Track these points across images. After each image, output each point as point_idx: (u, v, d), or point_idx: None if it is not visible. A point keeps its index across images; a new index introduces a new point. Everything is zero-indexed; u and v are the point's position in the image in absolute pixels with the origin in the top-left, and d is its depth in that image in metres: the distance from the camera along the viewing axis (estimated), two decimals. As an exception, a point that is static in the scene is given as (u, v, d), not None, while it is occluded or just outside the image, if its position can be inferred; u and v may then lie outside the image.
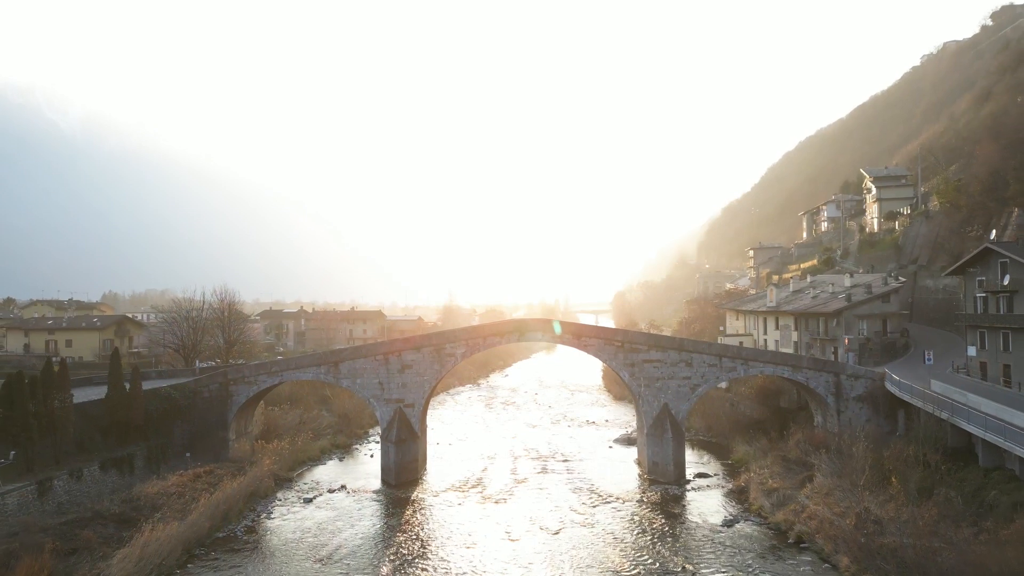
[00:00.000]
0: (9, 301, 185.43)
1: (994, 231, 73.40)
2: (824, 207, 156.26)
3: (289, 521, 54.68)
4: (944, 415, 50.96)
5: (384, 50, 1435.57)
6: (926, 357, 66.30)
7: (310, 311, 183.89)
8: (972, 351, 64.28)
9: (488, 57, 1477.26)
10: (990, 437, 44.64)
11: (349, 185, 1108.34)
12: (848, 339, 73.96)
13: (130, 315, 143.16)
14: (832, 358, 74.72)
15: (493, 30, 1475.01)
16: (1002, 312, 59.82)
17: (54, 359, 55.68)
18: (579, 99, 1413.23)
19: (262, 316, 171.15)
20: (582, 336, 71.76)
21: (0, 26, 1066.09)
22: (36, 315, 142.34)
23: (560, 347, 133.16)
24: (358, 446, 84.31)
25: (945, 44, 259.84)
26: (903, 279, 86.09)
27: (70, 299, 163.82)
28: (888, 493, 46.48)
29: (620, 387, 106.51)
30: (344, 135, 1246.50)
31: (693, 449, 77.22)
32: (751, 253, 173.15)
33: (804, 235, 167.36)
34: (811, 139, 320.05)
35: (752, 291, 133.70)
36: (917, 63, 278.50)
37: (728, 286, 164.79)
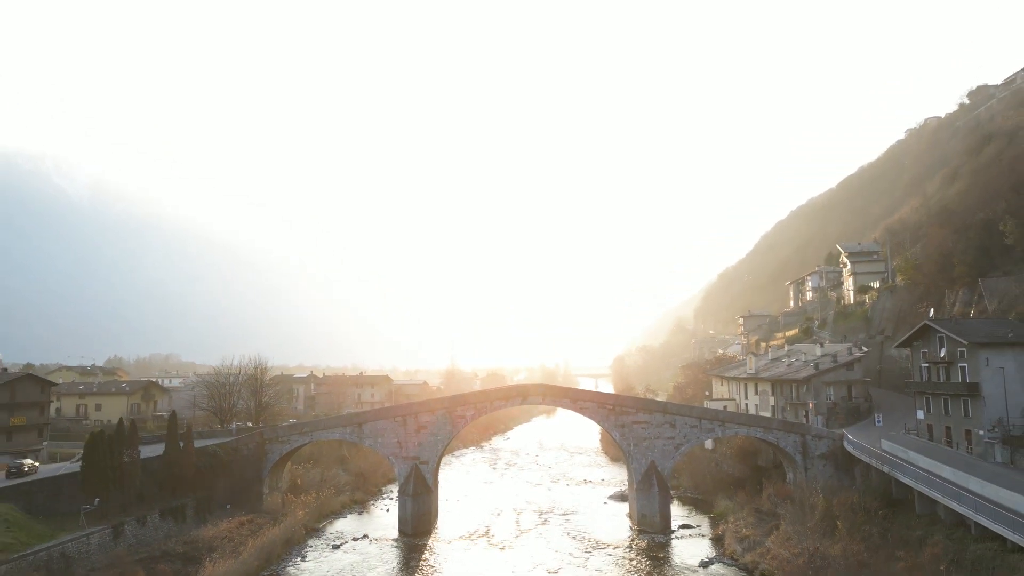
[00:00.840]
0: (29, 367, 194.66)
1: (932, 310, 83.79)
2: (809, 278, 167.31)
3: (322, 564, 63.38)
4: (886, 469, 60.39)
5: (379, 114, 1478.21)
6: (876, 420, 75.94)
7: (320, 376, 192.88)
8: (920, 414, 73.92)
9: (486, 119, 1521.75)
10: (919, 487, 54.10)
11: (350, 249, 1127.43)
12: (812, 403, 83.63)
13: (155, 380, 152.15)
14: (804, 421, 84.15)
15: (496, 95, 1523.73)
16: (941, 380, 69.76)
17: (126, 420, 65.16)
18: (583, 166, 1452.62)
19: (271, 381, 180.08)
20: (578, 400, 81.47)
21: (12, 94, 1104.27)
22: (62, 380, 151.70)
23: (559, 411, 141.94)
24: (374, 502, 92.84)
25: (927, 120, 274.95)
26: (866, 349, 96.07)
27: (93, 364, 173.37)
28: (836, 536, 55.66)
29: (616, 449, 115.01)
30: (345, 200, 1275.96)
31: (681, 504, 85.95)
32: (741, 321, 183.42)
33: (791, 303, 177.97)
34: (803, 208, 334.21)
35: (741, 358, 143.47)
36: (902, 136, 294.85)
37: (720, 352, 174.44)
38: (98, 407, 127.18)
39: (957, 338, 66.43)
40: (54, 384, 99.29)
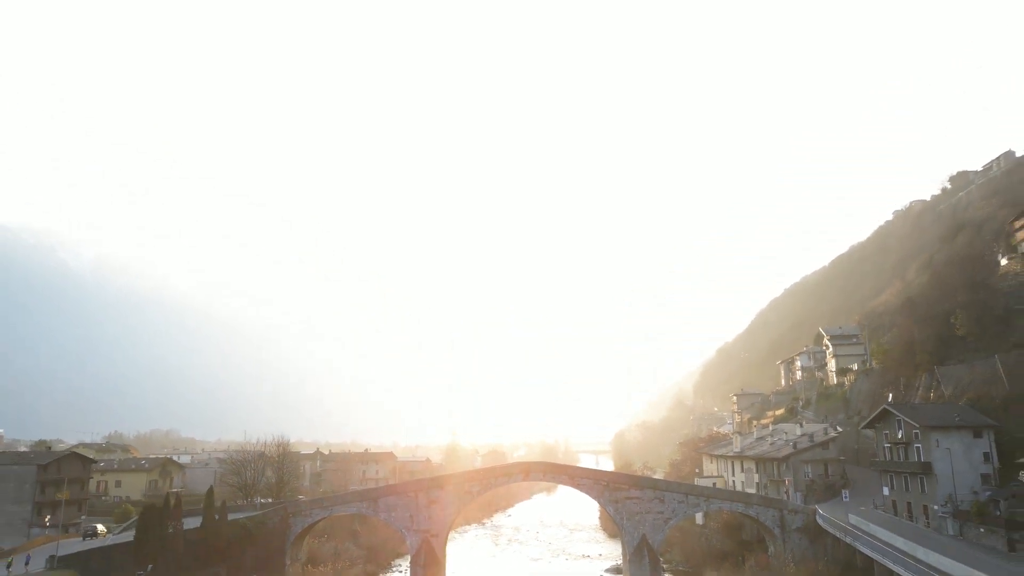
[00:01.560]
0: (41, 443, 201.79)
1: (891, 395, 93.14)
2: (798, 357, 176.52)
3: (343, 628, 70.75)
4: (849, 540, 68.65)
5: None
6: (844, 496, 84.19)
7: (325, 452, 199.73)
8: (886, 491, 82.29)
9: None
10: (876, 556, 62.39)
11: (351, 323, 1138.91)
12: (788, 480, 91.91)
13: (171, 457, 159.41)
14: (784, 497, 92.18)
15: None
16: (901, 459, 78.52)
17: (171, 493, 73.72)
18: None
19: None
20: (576, 477, 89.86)
21: (20, 171, 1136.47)
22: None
23: (560, 488, 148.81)
24: (385, 574, 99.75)
25: (912, 203, 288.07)
26: (840, 429, 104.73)
27: (108, 442, 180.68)
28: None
29: (613, 525, 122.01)
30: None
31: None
32: (735, 399, 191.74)
33: (782, 382, 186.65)
34: (797, 286, 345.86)
35: (734, 435, 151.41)
36: (890, 217, 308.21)
37: (715, 429, 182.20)
38: (118, 483, 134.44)
39: (911, 421, 75.62)
40: (95, 462, 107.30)
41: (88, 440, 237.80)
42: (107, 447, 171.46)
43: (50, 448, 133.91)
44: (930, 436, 73.57)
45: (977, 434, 73.57)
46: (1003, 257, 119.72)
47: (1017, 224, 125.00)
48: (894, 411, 78.94)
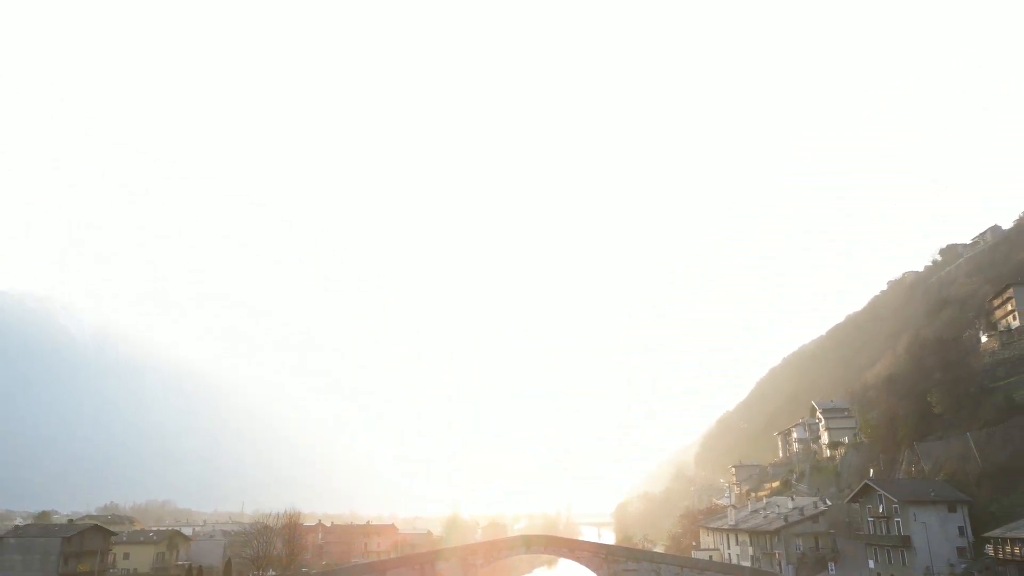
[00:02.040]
0: (45, 515, 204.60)
1: (872, 470, 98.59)
2: (794, 429, 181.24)
3: None
4: (833, 611, 73.35)
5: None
6: (830, 568, 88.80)
7: (328, 525, 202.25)
8: (871, 564, 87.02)
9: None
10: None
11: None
12: (780, 553, 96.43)
13: (178, 529, 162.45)
14: (777, 569, 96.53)
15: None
16: (883, 533, 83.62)
17: (192, 566, 78.55)
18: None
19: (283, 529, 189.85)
20: (575, 550, 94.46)
21: (24, 237, 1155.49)
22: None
23: (561, 561, 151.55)
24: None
25: (904, 274, 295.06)
26: (829, 502, 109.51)
27: (110, 514, 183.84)
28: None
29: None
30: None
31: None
32: (733, 471, 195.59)
33: (780, 453, 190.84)
34: (795, 355, 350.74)
35: (729, 508, 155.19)
36: (884, 287, 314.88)
37: (715, 501, 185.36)
38: (126, 556, 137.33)
39: (891, 496, 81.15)
40: (114, 534, 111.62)
41: (82, 511, 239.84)
42: (113, 519, 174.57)
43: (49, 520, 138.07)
44: (908, 511, 78.98)
45: (952, 509, 79.00)
46: (983, 334, 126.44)
47: (996, 302, 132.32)
48: (875, 486, 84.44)
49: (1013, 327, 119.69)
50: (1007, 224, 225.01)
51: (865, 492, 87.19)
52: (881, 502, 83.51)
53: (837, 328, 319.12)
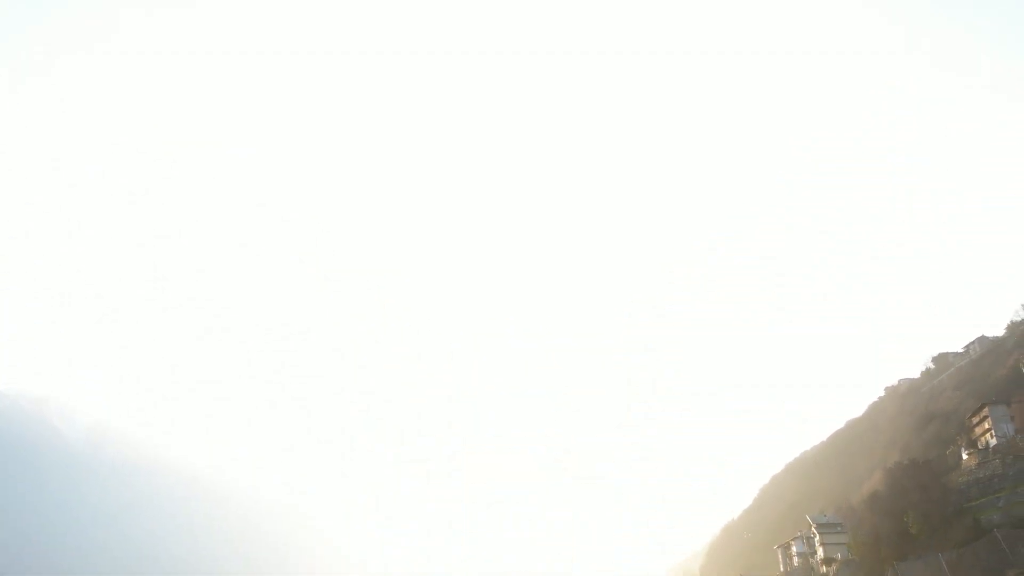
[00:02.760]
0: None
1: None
2: (793, 542, 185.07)
3: None
4: None
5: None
6: None
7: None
8: None
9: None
10: None
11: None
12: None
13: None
14: None
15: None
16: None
17: None
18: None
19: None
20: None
21: (19, 337, 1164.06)
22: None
23: None
24: None
25: (900, 381, 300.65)
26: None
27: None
28: None
29: None
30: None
31: None
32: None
33: (780, 567, 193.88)
34: (797, 461, 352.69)
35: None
36: (882, 393, 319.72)
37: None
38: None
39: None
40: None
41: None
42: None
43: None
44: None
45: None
46: (964, 451, 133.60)
47: (975, 419, 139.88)
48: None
49: (991, 445, 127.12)
50: (1000, 330, 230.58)
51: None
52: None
53: (837, 435, 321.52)
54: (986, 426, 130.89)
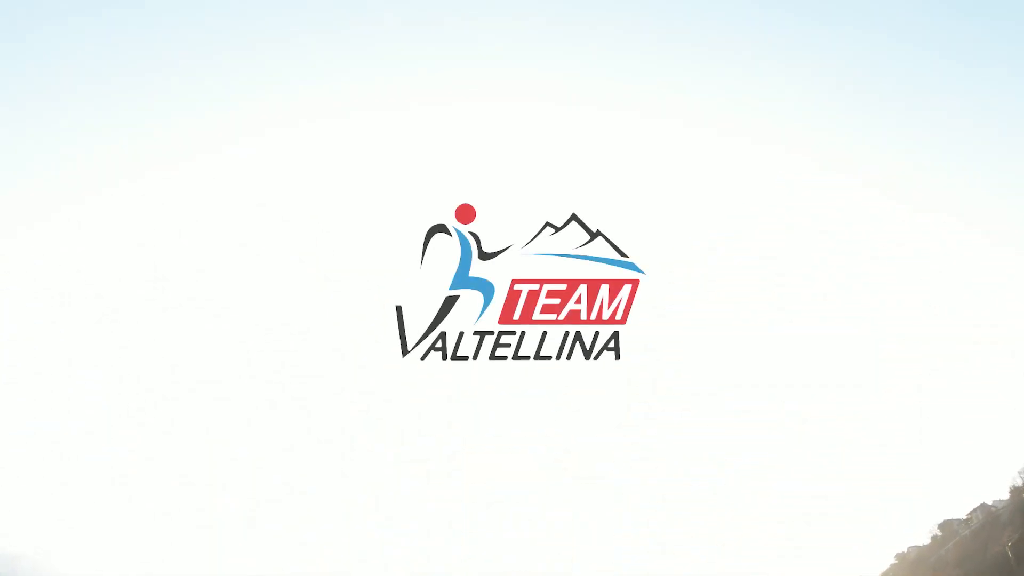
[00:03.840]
0: None
1: None
2: None
3: None
4: None
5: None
6: None
7: None
8: None
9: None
10: None
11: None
12: None
13: None
14: None
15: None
16: None
17: None
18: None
19: None
20: None
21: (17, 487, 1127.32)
22: None
23: None
24: None
25: (909, 548, 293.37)
26: None
27: None
28: None
29: None
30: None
31: None
32: None
33: None
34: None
35: None
36: (894, 560, 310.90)
37: None
38: None
39: None
40: None
41: None
42: None
43: None
44: None
45: None
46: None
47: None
48: None
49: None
50: (1003, 492, 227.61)
51: None
52: None
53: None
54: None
